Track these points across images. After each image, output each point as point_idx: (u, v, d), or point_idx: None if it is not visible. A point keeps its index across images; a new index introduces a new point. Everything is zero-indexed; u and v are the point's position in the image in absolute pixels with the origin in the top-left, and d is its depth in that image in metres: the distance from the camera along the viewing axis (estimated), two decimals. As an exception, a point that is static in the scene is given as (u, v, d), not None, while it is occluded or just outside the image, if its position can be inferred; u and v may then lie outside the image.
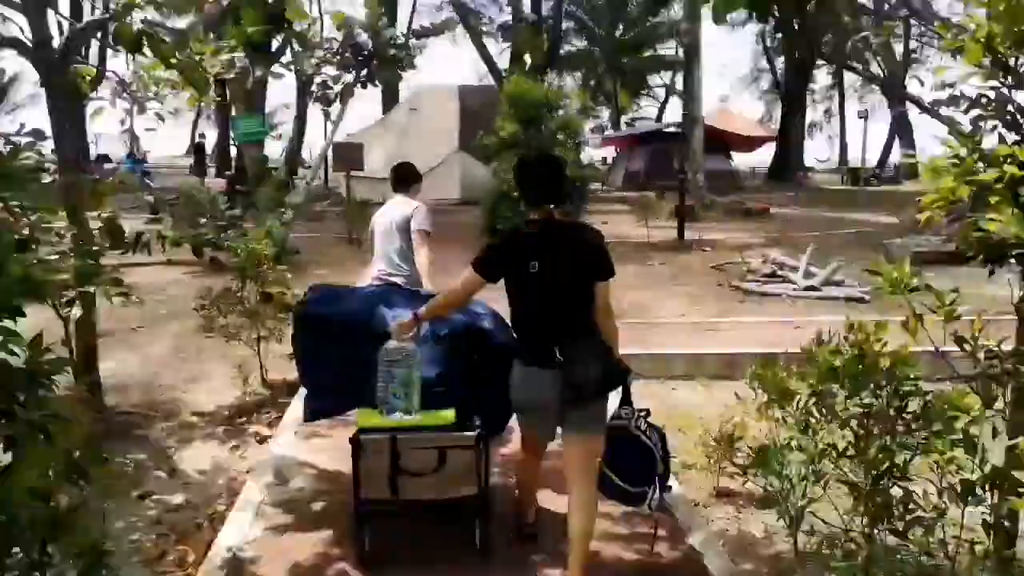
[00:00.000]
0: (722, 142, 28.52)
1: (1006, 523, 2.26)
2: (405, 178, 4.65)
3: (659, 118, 48.81)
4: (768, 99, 49.34)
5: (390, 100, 26.46)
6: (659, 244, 13.58)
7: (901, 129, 34.23)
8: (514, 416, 3.31)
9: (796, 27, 29.51)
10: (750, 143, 30.99)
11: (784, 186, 28.02)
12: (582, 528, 3.00)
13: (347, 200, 12.87)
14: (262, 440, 5.00)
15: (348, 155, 12.48)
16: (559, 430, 3.11)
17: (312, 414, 3.73)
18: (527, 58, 23.91)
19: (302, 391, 4.08)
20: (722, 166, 28.13)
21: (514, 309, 3.10)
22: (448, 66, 63.87)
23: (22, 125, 2.61)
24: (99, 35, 5.49)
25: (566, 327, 2.97)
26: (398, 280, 4.28)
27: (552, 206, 3.03)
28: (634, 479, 3.16)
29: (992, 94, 2.45)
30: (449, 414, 3.24)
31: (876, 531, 2.49)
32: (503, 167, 11.84)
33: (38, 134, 2.66)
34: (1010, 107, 2.42)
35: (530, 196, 3.07)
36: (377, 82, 13.48)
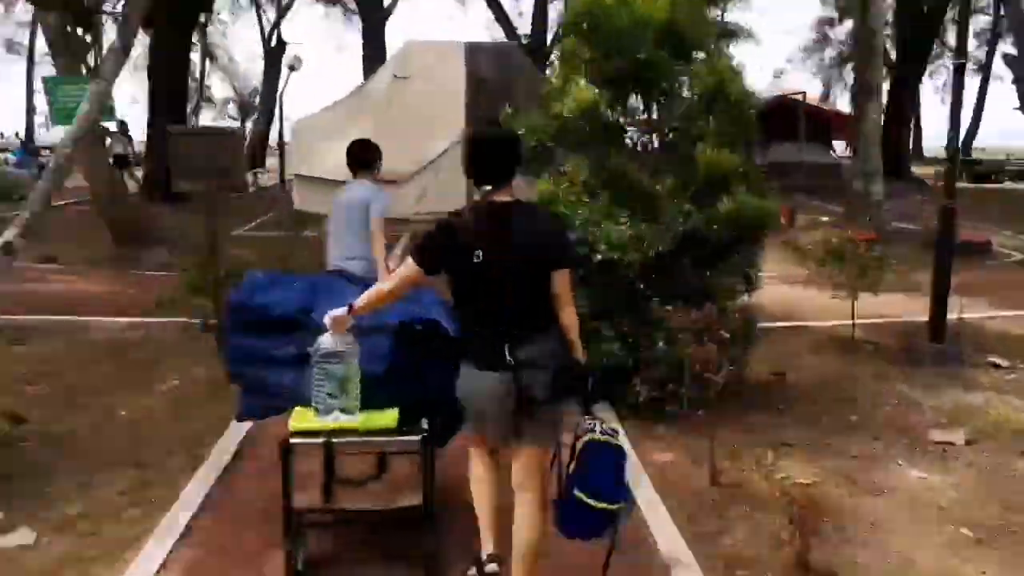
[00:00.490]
0: (824, 125, 21.54)
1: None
2: (365, 160, 4.45)
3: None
4: (830, 73, 41.78)
5: (374, 61, 19.31)
6: (879, 341, 6.55)
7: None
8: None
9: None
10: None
11: (904, 187, 20.76)
12: (529, 541, 2.73)
13: (210, 240, 5.75)
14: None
15: (195, 155, 5.21)
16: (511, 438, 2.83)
17: (246, 412, 3.32)
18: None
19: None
20: (823, 158, 21.11)
21: (458, 305, 2.77)
22: (447, 25, 55.22)
23: None
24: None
25: (517, 324, 2.63)
26: (354, 268, 4.06)
27: (503, 186, 2.66)
28: (603, 493, 2.68)
29: None
30: (392, 415, 2.92)
31: None
32: (567, 174, 4.98)
33: None
34: None
35: (478, 174, 2.70)
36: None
